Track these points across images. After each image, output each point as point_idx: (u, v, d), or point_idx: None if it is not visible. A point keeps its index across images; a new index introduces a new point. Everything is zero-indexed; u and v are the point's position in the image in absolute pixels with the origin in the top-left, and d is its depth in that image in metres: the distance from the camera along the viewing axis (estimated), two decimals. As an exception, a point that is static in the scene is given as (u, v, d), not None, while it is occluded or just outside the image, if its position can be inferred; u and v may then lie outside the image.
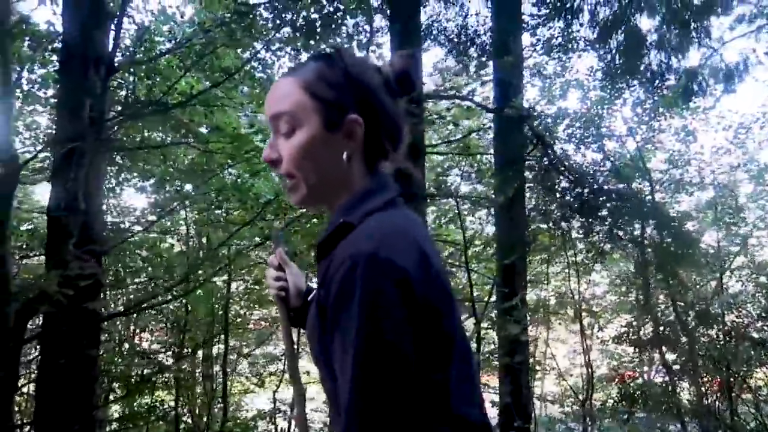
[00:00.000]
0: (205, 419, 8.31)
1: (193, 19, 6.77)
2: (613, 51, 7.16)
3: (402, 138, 1.12)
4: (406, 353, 0.90)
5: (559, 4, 7.05)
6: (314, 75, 1.06)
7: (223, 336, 8.51)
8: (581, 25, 7.16)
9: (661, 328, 7.57)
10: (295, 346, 1.43)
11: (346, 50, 1.10)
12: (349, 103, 1.05)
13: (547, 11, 7.16)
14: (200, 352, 8.61)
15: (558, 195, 5.07)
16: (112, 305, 6.84)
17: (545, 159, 4.93)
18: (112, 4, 6.15)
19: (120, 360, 6.85)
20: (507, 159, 6.24)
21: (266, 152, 1.08)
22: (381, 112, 1.07)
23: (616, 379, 8.76)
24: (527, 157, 5.32)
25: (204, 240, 8.21)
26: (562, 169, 4.97)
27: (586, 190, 4.78)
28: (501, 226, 6.61)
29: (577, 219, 5.26)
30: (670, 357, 7.55)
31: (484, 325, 6.42)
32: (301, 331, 1.51)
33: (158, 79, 6.09)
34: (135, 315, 6.94)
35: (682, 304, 7.68)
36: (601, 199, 4.95)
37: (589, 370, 8.10)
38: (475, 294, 6.74)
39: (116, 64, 5.76)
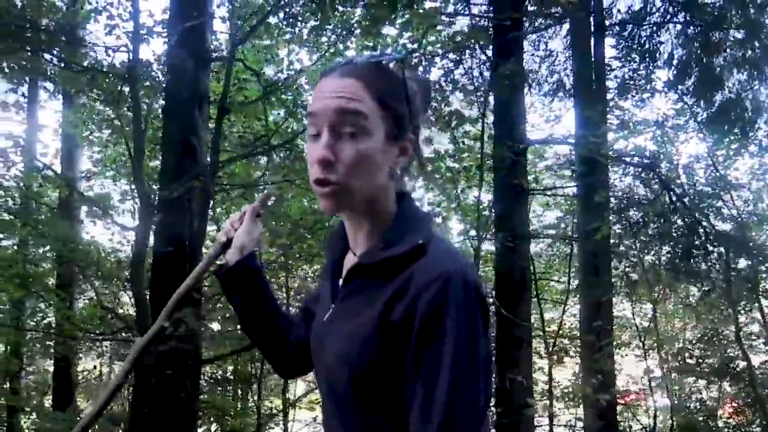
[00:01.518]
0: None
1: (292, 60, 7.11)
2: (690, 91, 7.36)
3: (423, 163, 1.15)
4: (489, 366, 0.98)
5: (638, 46, 7.27)
6: (384, 85, 1.03)
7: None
8: (659, 66, 7.36)
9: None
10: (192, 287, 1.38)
11: (407, 64, 1.08)
12: (409, 121, 1.06)
13: (626, 53, 7.37)
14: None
15: (671, 239, 5.24)
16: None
17: (669, 205, 5.09)
18: (221, 45, 6.55)
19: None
20: (591, 200, 6.45)
21: (323, 152, 0.99)
22: (419, 136, 1.10)
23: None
24: (641, 201, 5.48)
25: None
26: (686, 215, 5.13)
27: (701, 231, 4.95)
28: (584, 265, 6.77)
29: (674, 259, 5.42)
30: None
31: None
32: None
33: (263, 120, 6.42)
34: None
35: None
36: (715, 243, 5.12)
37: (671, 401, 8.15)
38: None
39: (227, 105, 6.12)
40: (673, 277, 5.80)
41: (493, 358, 1.03)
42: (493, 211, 5.66)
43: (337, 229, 1.19)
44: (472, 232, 7.59)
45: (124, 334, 6.04)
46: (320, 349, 1.10)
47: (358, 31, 5.98)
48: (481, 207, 5.84)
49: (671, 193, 5.04)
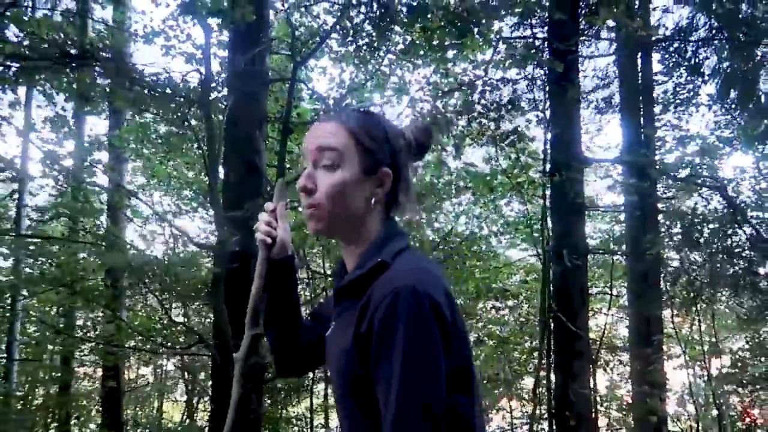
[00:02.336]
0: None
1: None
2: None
3: (412, 194, 1.27)
4: (442, 375, 1.02)
5: (683, 60, 7.36)
6: (359, 126, 1.20)
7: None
8: (704, 81, 7.45)
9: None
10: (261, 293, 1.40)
11: (382, 113, 1.33)
12: (385, 157, 1.20)
13: (671, 67, 7.47)
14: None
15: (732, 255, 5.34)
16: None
17: (734, 224, 5.19)
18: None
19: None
20: (643, 216, 6.56)
21: (303, 181, 1.19)
22: (402, 171, 1.23)
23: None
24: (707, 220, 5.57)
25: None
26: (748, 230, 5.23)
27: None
28: (635, 278, 6.86)
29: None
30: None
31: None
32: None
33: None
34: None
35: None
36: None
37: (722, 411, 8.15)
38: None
39: (290, 126, 6.32)
40: (733, 293, 5.88)
41: (472, 366, 1.11)
42: (548, 227, 5.78)
43: (340, 260, 1.33)
44: (520, 246, 7.73)
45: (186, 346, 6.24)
46: (327, 358, 1.25)
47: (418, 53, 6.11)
48: (534, 223, 5.95)
49: (735, 209, 5.13)
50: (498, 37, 5.08)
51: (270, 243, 1.36)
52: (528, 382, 9.15)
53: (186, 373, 8.60)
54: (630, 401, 7.29)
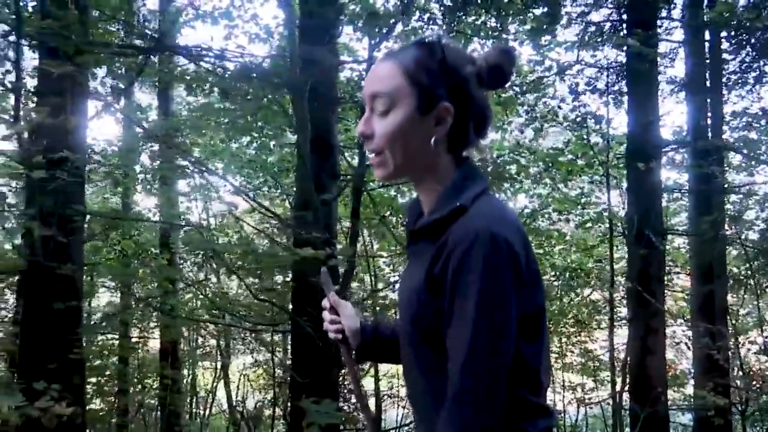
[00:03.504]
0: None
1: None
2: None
3: (488, 128, 1.22)
4: (514, 321, 1.03)
5: (752, 39, 7.33)
6: (413, 61, 1.13)
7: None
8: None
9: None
10: (360, 382, 1.49)
11: (445, 41, 1.17)
12: (443, 90, 1.13)
13: (738, 46, 7.45)
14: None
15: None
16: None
17: None
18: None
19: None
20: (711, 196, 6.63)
21: (361, 127, 1.17)
22: (470, 102, 1.15)
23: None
24: None
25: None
26: None
27: None
28: (699, 259, 6.96)
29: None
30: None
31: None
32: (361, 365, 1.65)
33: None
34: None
35: None
36: None
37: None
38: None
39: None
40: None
41: (542, 315, 1.11)
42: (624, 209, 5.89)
43: (412, 200, 1.32)
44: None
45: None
46: (399, 300, 1.28)
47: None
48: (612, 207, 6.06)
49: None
50: (584, 20, 5.13)
51: (342, 339, 1.40)
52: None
53: (268, 349, 8.88)
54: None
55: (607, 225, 6.03)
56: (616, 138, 6.55)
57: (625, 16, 6.08)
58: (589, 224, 7.27)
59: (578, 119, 5.83)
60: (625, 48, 5.59)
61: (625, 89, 6.24)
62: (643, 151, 5.45)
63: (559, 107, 6.17)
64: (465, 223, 1.06)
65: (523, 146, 6.32)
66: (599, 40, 5.36)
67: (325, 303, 1.43)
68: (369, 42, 6.31)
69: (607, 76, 6.23)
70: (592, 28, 6.04)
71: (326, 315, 1.43)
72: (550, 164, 6.24)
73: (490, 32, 5.89)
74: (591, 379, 10.40)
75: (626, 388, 5.39)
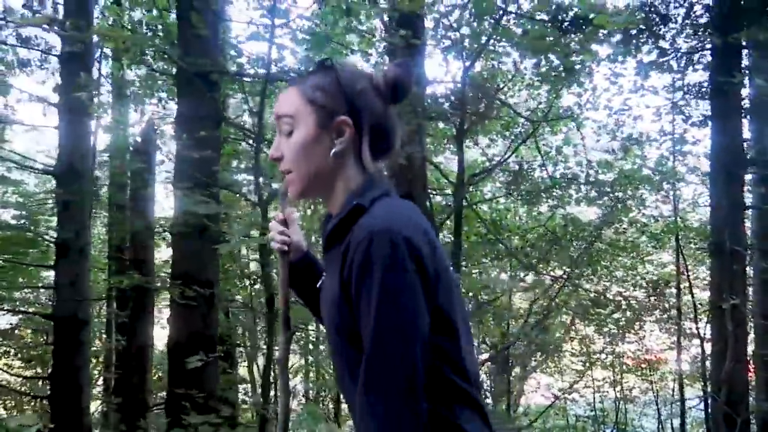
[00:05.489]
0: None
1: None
2: None
3: (392, 139, 1.24)
4: (420, 310, 1.03)
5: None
6: (311, 84, 1.21)
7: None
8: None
9: None
10: (288, 295, 1.52)
11: (341, 62, 1.24)
12: (339, 106, 1.18)
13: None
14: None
15: None
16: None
17: None
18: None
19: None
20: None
21: (272, 151, 1.23)
22: (369, 115, 1.19)
23: None
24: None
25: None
26: None
27: None
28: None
29: None
30: None
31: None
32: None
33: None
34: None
35: None
36: None
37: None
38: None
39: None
40: None
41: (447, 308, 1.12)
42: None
43: (326, 215, 1.34)
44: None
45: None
46: (321, 311, 1.27)
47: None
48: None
49: None
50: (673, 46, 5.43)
51: (287, 250, 1.44)
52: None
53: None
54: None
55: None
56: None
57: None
58: (660, 236, 7.60)
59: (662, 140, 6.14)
60: (708, 71, 5.90)
61: (705, 111, 6.57)
62: (727, 169, 5.76)
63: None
64: (362, 223, 1.08)
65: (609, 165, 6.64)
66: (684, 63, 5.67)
67: (278, 215, 1.47)
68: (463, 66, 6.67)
69: (691, 96, 6.54)
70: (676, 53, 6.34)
71: (275, 225, 1.46)
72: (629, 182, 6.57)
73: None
74: (641, 378, 10.72)
75: (718, 394, 5.69)
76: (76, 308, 4.96)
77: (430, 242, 1.08)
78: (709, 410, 6.21)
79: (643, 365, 10.23)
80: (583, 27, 5.20)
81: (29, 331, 7.48)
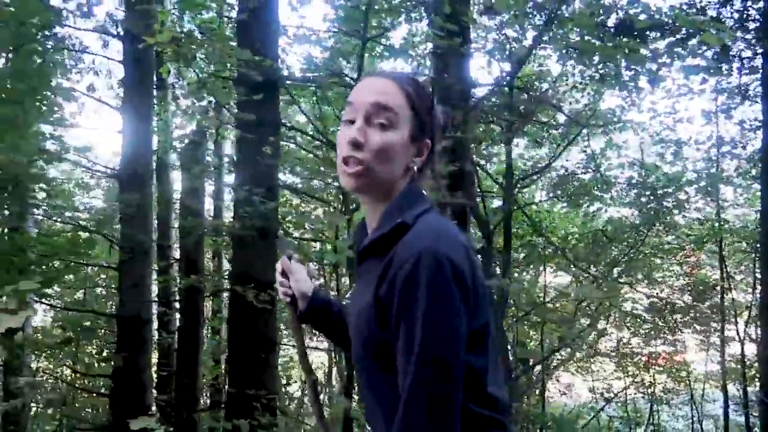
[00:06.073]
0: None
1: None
2: None
3: (437, 171, 1.30)
4: (462, 338, 1.03)
5: None
6: (416, 93, 1.19)
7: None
8: None
9: None
10: (303, 343, 1.54)
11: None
12: (428, 126, 1.21)
13: None
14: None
15: None
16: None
17: None
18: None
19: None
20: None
21: (356, 134, 1.15)
22: (435, 145, 1.24)
23: None
24: None
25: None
26: None
27: None
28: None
29: None
30: None
31: None
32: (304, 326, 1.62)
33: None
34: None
35: None
36: None
37: None
38: None
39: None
40: None
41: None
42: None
43: (360, 221, 1.33)
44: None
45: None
46: (348, 322, 1.27)
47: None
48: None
49: None
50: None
51: (290, 301, 1.46)
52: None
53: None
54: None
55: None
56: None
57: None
58: (704, 239, 7.60)
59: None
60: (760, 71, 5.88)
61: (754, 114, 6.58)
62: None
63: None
64: (408, 242, 1.06)
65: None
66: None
67: (278, 266, 1.48)
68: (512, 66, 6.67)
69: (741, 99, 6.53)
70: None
71: (278, 277, 1.48)
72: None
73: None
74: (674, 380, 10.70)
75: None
76: (140, 309, 5.07)
77: (470, 260, 1.07)
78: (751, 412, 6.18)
79: (675, 367, 10.22)
80: (635, 32, 5.19)
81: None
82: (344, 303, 1.53)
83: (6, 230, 3.69)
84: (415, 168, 1.20)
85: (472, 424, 1.07)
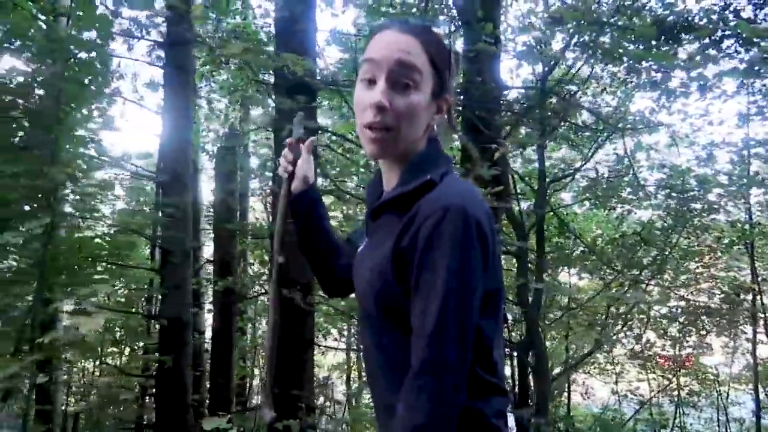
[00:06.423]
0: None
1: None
2: None
3: (454, 122, 1.25)
4: (479, 297, 1.03)
5: None
6: (436, 48, 1.13)
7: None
8: None
9: None
10: (285, 220, 1.44)
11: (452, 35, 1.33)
12: (448, 81, 1.16)
13: None
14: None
15: None
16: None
17: None
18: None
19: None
20: None
21: (383, 98, 1.09)
22: (453, 96, 1.20)
23: None
24: None
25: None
26: None
27: None
28: None
29: None
30: None
31: None
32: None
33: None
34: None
35: None
36: None
37: None
38: None
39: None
40: None
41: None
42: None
43: (374, 177, 1.30)
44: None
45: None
46: (356, 277, 1.22)
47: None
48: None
49: None
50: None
51: (288, 175, 1.41)
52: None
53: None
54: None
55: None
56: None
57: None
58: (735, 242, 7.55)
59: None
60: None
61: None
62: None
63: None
64: (436, 197, 1.05)
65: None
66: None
67: (290, 141, 1.43)
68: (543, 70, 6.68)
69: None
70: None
71: (285, 152, 1.43)
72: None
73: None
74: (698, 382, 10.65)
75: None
76: (180, 311, 5.14)
77: (492, 227, 1.07)
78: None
79: (702, 369, 10.16)
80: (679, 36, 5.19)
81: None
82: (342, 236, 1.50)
83: (66, 233, 3.75)
84: (433, 126, 1.17)
85: (477, 387, 1.06)
